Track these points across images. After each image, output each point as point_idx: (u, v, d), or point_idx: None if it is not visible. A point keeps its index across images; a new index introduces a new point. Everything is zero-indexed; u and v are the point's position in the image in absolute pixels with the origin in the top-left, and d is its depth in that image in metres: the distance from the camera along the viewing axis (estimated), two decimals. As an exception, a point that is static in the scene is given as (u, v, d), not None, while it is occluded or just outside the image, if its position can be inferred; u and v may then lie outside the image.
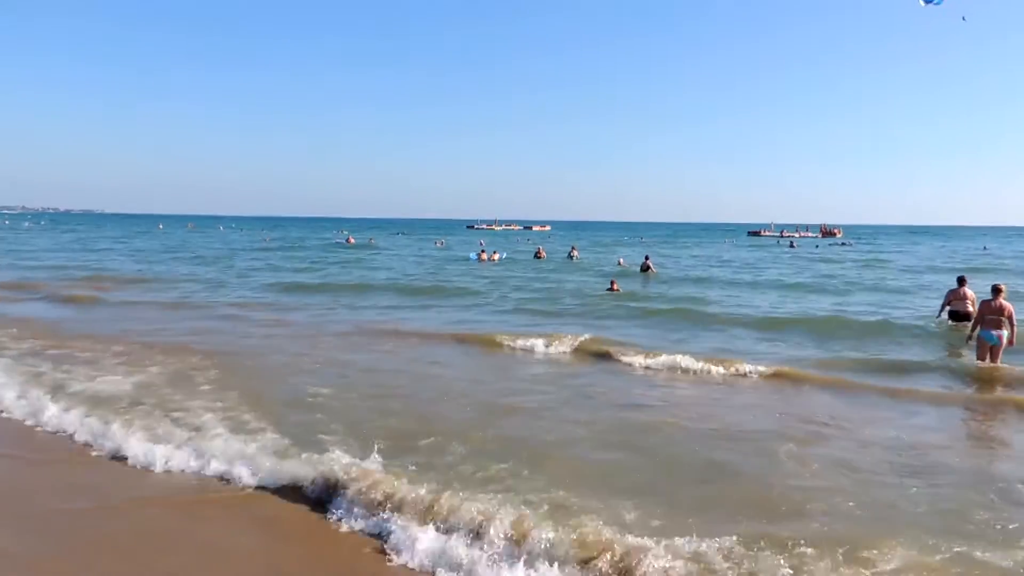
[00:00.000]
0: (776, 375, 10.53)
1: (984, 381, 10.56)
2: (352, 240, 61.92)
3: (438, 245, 58.69)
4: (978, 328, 11.53)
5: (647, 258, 33.14)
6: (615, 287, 22.91)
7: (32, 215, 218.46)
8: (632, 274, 30.20)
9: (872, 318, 16.69)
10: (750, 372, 10.63)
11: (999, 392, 10.01)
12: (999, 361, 11.16)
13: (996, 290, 11.50)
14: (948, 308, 14.37)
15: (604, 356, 11.92)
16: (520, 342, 12.79)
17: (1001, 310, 11.24)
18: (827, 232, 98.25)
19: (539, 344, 12.58)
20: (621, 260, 37.87)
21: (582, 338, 12.86)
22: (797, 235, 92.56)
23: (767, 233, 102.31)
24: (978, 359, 11.36)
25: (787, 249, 59.21)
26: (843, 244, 71.89)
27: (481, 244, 54.36)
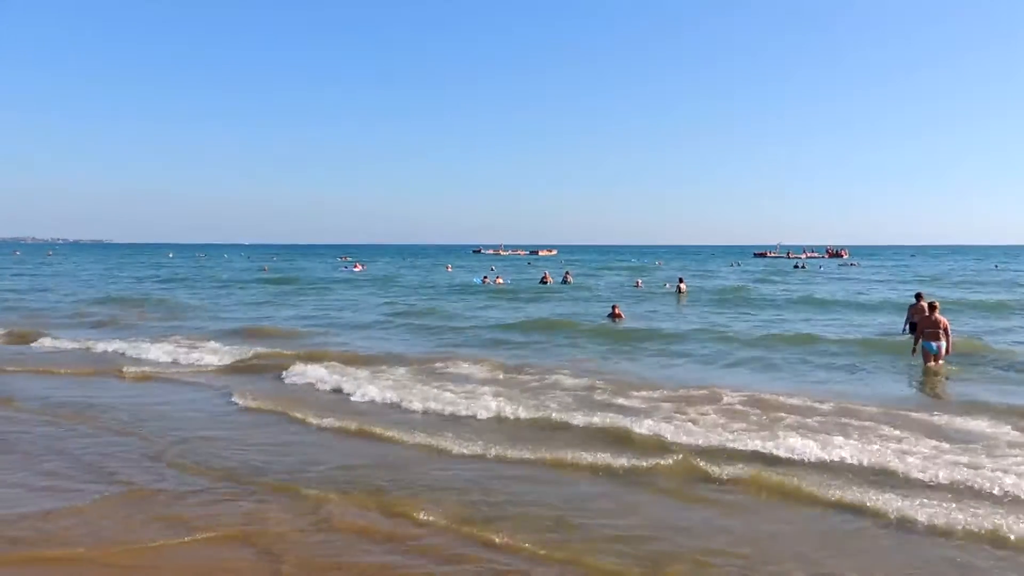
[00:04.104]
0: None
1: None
2: (359, 267, 62.67)
3: (448, 270, 60.11)
4: (920, 340, 12.79)
5: (681, 280, 32.55)
6: (617, 312, 20.21)
7: (26, 245, 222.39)
8: (659, 294, 30.37)
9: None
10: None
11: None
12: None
13: (932, 306, 12.85)
14: (910, 322, 15.69)
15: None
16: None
17: (937, 323, 12.53)
18: (833, 253, 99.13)
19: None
20: (639, 282, 38.16)
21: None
22: (804, 256, 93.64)
23: (773, 254, 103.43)
24: (926, 364, 12.62)
25: (814, 271, 59.94)
26: (851, 264, 72.76)
27: (492, 269, 55.89)
